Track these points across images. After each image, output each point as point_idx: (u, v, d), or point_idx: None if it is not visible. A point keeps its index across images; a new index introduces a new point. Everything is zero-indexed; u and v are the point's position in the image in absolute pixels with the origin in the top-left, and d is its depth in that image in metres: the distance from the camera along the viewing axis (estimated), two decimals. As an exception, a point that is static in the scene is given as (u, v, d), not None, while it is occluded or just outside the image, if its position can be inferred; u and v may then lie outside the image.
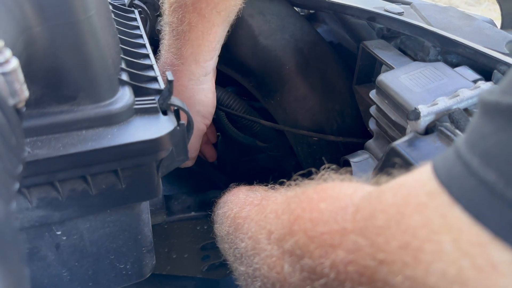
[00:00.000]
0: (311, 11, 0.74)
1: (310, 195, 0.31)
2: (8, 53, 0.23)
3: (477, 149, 0.19)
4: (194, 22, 0.52)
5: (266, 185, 0.47)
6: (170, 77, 0.38)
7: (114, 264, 0.49)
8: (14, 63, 0.24)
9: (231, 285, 0.77)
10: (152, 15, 0.65)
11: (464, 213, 0.19)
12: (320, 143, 0.63)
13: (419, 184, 0.22)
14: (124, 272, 0.51)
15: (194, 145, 0.62)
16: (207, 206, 0.67)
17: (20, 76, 0.24)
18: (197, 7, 0.51)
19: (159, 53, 0.59)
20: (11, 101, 0.24)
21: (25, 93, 0.25)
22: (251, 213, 0.40)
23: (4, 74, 0.23)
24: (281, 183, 0.41)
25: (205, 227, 0.68)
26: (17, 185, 0.22)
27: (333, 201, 0.28)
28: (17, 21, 0.30)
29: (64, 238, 0.43)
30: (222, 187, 0.69)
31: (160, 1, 0.57)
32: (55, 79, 0.34)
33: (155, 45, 0.70)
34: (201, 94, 0.57)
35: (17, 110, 0.25)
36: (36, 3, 0.31)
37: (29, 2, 0.31)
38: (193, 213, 0.68)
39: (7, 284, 0.16)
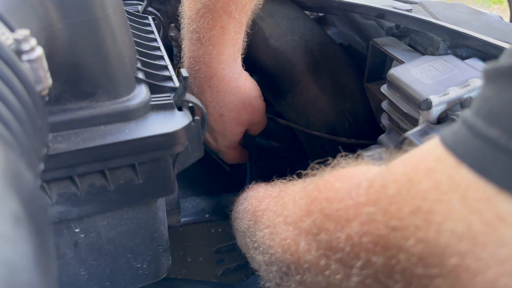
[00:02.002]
0: (320, 14, 0.75)
1: (326, 178, 0.31)
2: (33, 41, 0.24)
3: (480, 112, 0.20)
4: (226, 25, 0.53)
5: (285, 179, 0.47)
6: (185, 74, 0.40)
7: (131, 263, 0.49)
8: (39, 51, 0.25)
9: (246, 290, 0.77)
10: (165, 22, 0.67)
11: (470, 171, 0.19)
12: (332, 143, 0.63)
13: (428, 152, 0.23)
14: (140, 272, 0.51)
15: (263, 119, 0.65)
16: (221, 209, 0.68)
17: (45, 64, 0.25)
18: (227, 10, 0.52)
19: (182, 64, 0.58)
20: (36, 87, 0.25)
21: (49, 80, 0.26)
22: (270, 205, 0.41)
23: (30, 61, 0.24)
24: (299, 175, 0.42)
25: (219, 230, 0.69)
26: (42, 166, 0.23)
27: (347, 179, 0.28)
28: (39, 18, 0.31)
29: (82, 235, 0.44)
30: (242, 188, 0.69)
31: (179, 11, 0.57)
32: (75, 75, 0.36)
33: (169, 50, 0.72)
34: (250, 82, 0.59)
35: (42, 97, 0.26)
36: (57, 1, 0.32)
37: (51, 0, 0.32)
38: (207, 216, 0.69)
39: (36, 242, 0.16)
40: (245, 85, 0.58)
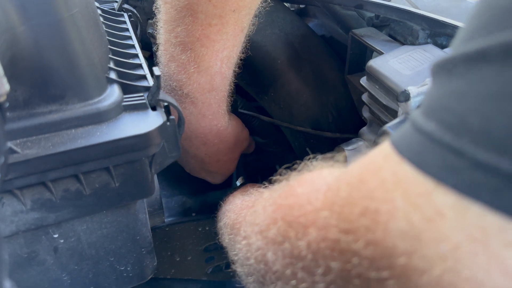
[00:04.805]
0: (301, 6, 0.74)
1: (291, 184, 0.31)
2: (-15, 46, 0.23)
3: (422, 108, 0.20)
4: (221, 86, 0.52)
5: (261, 185, 0.47)
6: (157, 72, 0.39)
7: (114, 266, 0.49)
8: (-8, 56, 0.24)
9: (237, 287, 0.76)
10: (143, 19, 0.66)
11: (411, 166, 0.19)
12: (317, 137, 0.63)
13: (378, 151, 0.22)
14: (125, 274, 0.50)
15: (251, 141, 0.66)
16: (208, 207, 0.67)
17: (0, 69, 0.24)
18: (217, 71, 0.51)
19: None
20: (-9, 95, 0.24)
21: (5, 86, 0.25)
22: (246, 216, 0.41)
23: (-18, 67, 0.23)
24: (270, 181, 0.41)
25: (207, 228, 0.68)
26: (-2, 176, 0.22)
27: (309, 185, 0.28)
28: (-1, 21, 0.30)
29: (62, 241, 0.43)
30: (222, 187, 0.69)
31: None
32: (42, 78, 0.35)
33: (148, 48, 0.71)
34: (235, 121, 0.60)
35: (-1, 104, 0.25)
36: (18, 3, 0.31)
37: (11, 2, 0.31)
38: (194, 215, 0.68)
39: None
40: (234, 127, 0.59)
